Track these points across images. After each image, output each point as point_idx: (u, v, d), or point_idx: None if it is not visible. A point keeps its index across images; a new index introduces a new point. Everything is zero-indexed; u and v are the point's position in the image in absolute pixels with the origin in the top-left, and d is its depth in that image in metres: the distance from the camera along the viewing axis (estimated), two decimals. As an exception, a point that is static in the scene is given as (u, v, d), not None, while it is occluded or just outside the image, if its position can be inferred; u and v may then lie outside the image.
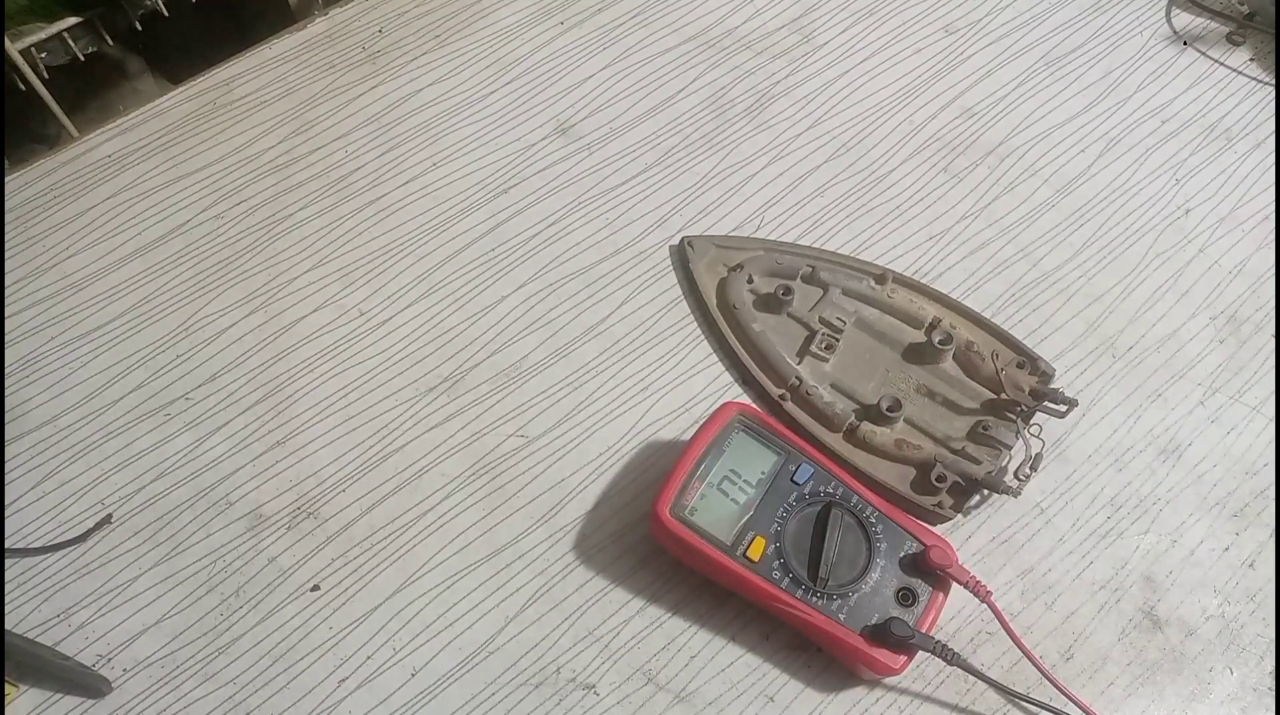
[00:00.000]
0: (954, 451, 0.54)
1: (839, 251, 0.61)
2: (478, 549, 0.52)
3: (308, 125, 0.66)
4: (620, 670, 0.49)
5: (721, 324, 0.58)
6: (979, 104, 0.68)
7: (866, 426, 0.55)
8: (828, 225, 0.63)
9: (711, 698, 0.49)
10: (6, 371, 0.57)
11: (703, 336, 0.59)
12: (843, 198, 0.64)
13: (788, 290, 0.58)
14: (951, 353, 0.57)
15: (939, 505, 0.53)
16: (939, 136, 0.67)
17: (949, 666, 0.48)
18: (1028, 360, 0.57)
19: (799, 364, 0.57)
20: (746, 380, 0.57)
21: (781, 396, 0.56)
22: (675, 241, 0.62)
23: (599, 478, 0.55)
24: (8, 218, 0.62)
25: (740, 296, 0.58)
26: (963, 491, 0.53)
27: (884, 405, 0.54)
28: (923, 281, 0.60)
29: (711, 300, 0.59)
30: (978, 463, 0.53)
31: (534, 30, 0.70)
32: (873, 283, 0.59)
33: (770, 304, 0.58)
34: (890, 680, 0.49)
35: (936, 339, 0.56)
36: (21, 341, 0.58)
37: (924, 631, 0.47)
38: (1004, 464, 0.54)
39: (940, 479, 0.53)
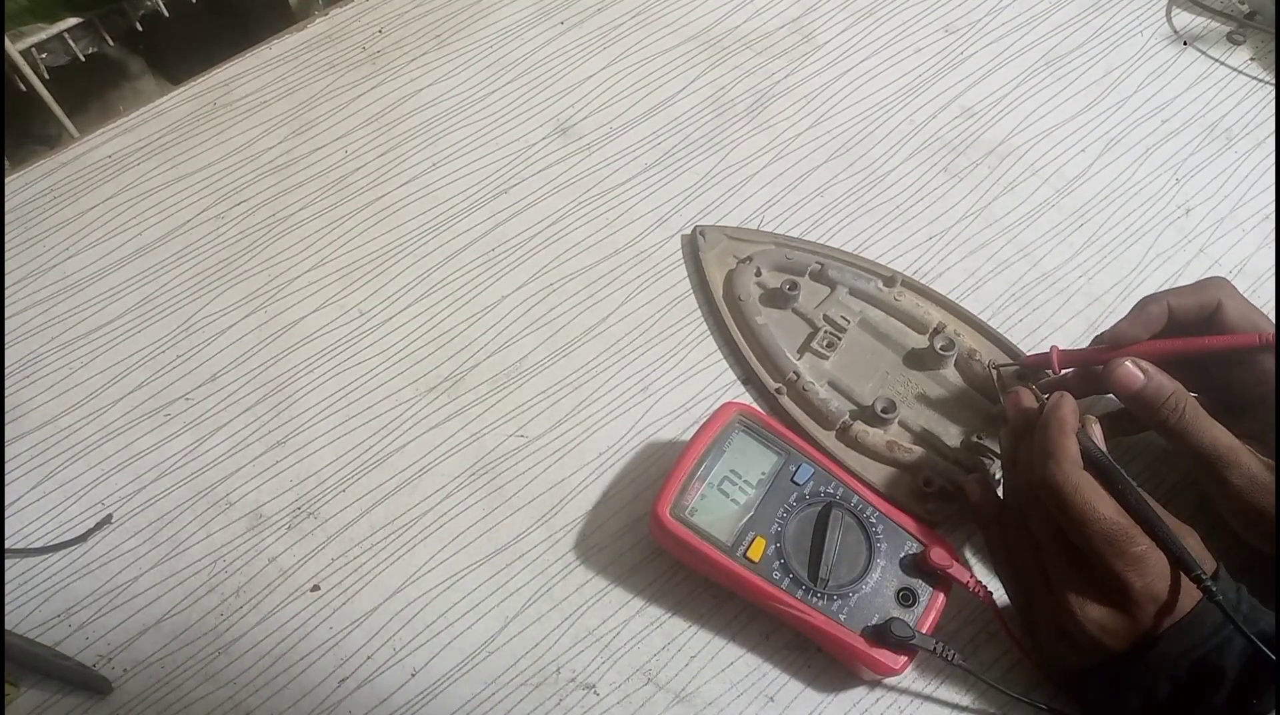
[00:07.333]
0: (945, 458, 0.54)
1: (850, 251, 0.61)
2: (478, 549, 0.52)
3: (308, 125, 0.66)
4: (620, 670, 0.50)
5: (725, 315, 0.58)
6: (979, 104, 0.68)
7: (860, 426, 0.54)
8: (828, 224, 0.63)
9: (711, 698, 0.49)
10: (6, 371, 0.57)
11: (705, 333, 0.59)
12: (843, 197, 0.64)
13: (794, 286, 0.58)
14: (953, 360, 0.57)
15: (928, 511, 0.53)
16: (939, 136, 0.67)
17: (949, 666, 0.48)
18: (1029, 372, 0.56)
19: (798, 359, 0.57)
20: (748, 378, 0.57)
21: (778, 390, 0.56)
22: (678, 240, 0.62)
23: (599, 478, 0.55)
24: (8, 218, 0.62)
25: (747, 289, 0.58)
26: (950, 498, 0.53)
27: (879, 406, 0.54)
28: (923, 282, 0.60)
29: (718, 291, 0.59)
30: (968, 471, 0.53)
31: (534, 30, 0.70)
32: (881, 284, 0.59)
33: (776, 298, 0.58)
34: (890, 680, 0.49)
35: (939, 345, 0.56)
36: (21, 342, 0.58)
37: (924, 632, 0.47)
38: (996, 473, 0.54)
39: (928, 483, 0.53)
